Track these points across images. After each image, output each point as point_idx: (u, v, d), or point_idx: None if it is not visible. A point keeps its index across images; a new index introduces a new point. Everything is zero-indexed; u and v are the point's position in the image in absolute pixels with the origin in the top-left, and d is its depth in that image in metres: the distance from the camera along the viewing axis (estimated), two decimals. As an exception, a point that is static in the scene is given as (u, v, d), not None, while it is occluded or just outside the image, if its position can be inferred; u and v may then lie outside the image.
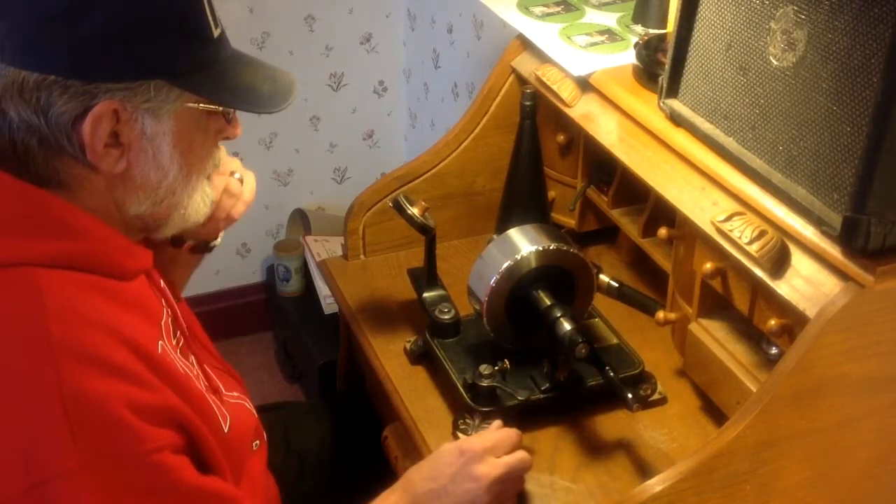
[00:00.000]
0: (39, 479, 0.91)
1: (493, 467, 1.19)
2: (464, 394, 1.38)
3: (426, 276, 1.55)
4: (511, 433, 1.24)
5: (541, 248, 1.38)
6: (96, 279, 1.03)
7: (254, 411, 1.30)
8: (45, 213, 1.02)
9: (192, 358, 1.18)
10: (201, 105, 1.07)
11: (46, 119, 1.00)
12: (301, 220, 2.89)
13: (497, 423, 1.28)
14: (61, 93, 0.99)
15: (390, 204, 1.53)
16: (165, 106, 1.04)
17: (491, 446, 1.21)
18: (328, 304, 2.61)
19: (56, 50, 0.99)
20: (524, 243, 1.39)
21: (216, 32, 1.07)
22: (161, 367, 1.03)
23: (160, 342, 1.07)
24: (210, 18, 1.06)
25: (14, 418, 0.92)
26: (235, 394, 1.26)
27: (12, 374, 0.94)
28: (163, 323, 1.12)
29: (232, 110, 1.12)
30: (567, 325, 1.34)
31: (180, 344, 1.16)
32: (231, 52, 1.11)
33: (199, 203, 1.14)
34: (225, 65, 1.09)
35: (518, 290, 1.39)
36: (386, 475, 1.42)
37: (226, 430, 1.13)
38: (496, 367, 1.38)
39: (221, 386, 1.21)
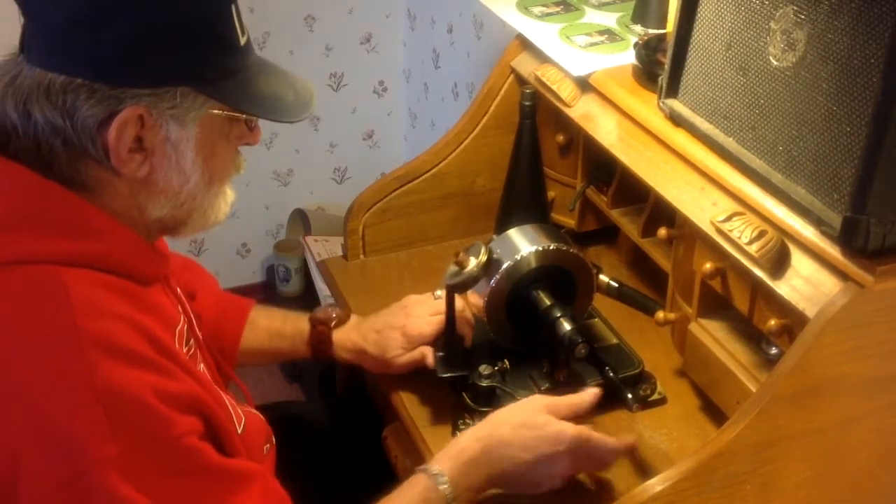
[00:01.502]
0: (80, 468, 0.92)
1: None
2: (463, 394, 1.38)
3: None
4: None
5: (541, 248, 1.38)
6: (115, 280, 1.03)
7: (262, 417, 1.30)
8: (68, 212, 1.03)
9: (202, 366, 1.19)
10: (225, 112, 1.07)
11: (72, 122, 1.00)
12: (301, 220, 2.89)
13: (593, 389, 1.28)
14: (87, 96, 0.99)
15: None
16: (191, 113, 1.04)
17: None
18: (327, 304, 2.61)
19: (84, 54, 0.99)
20: (524, 243, 1.39)
21: (243, 40, 1.08)
22: (180, 361, 1.05)
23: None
24: (237, 26, 1.06)
25: (49, 410, 0.93)
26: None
27: (44, 367, 0.95)
28: (177, 329, 1.13)
29: (255, 118, 1.12)
30: (567, 325, 1.34)
31: (191, 352, 1.17)
32: (255, 59, 1.11)
33: (220, 206, 1.14)
34: (250, 72, 1.08)
35: (518, 290, 1.39)
36: (386, 475, 1.42)
37: (239, 431, 1.14)
38: (496, 367, 1.38)
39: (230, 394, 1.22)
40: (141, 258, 1.09)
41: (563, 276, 1.41)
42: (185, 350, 1.13)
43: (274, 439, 1.33)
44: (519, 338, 1.43)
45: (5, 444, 0.93)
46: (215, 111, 1.06)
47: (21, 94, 1.00)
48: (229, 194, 1.16)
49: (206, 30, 1.03)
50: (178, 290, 1.22)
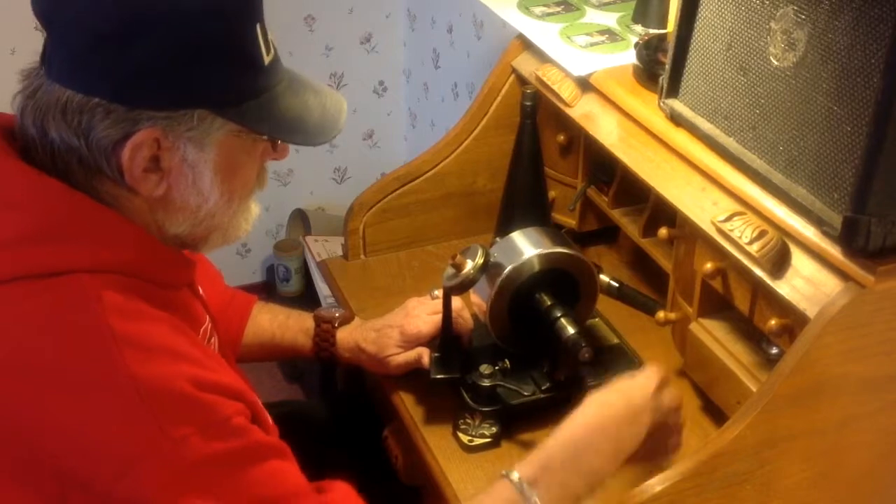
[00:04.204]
0: (130, 467, 0.92)
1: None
2: (464, 394, 1.38)
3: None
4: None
5: (544, 252, 1.38)
6: (143, 284, 1.03)
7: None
8: (94, 222, 1.02)
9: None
10: (246, 132, 1.05)
11: (87, 142, 0.99)
12: (301, 220, 2.89)
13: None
14: (103, 117, 0.98)
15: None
16: (209, 136, 1.02)
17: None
18: (328, 304, 2.61)
19: (103, 73, 0.98)
20: (527, 246, 1.39)
21: (268, 59, 1.04)
22: (213, 354, 1.06)
23: None
24: (262, 46, 1.04)
25: (95, 414, 0.94)
26: None
27: (85, 372, 0.95)
28: (202, 329, 1.14)
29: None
30: (571, 329, 1.33)
31: (214, 350, 1.17)
32: (282, 77, 1.08)
33: (240, 223, 1.13)
34: (274, 92, 1.06)
35: (521, 293, 1.39)
36: (386, 475, 1.42)
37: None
38: (496, 367, 1.38)
39: None
40: (167, 265, 1.08)
41: (566, 280, 1.41)
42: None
43: None
44: (521, 340, 1.43)
45: (51, 455, 0.93)
46: (236, 132, 1.04)
47: (39, 109, 1.00)
48: (253, 210, 1.15)
49: (228, 52, 1.01)
50: (200, 289, 1.22)
